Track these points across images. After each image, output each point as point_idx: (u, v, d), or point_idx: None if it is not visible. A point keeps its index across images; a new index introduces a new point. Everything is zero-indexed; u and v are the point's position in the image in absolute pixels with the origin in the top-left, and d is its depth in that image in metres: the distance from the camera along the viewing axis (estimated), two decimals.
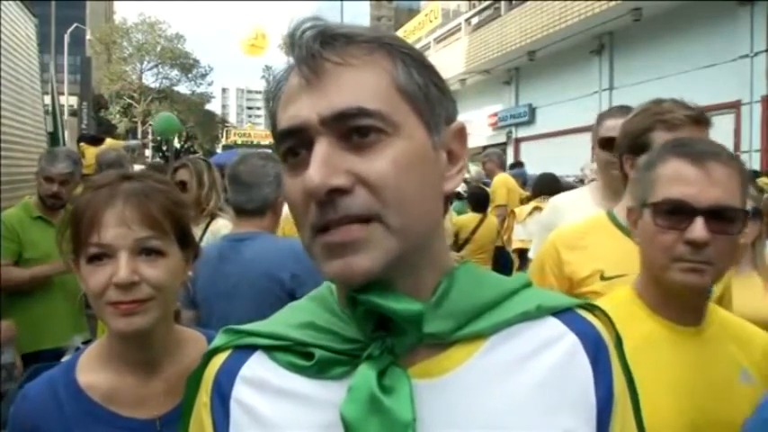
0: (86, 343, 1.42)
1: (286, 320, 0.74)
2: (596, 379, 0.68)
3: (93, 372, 1.14)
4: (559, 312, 0.71)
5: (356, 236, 0.61)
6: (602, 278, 1.58)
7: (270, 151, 2.59)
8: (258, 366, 0.72)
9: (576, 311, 0.72)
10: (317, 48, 0.63)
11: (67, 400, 1.10)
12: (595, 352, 0.69)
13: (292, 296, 1.96)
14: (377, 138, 0.62)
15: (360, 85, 0.63)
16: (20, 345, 3.03)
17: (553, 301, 0.72)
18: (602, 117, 2.32)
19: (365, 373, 0.63)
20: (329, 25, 0.65)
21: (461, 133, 0.71)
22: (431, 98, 0.67)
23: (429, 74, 0.68)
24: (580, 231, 1.72)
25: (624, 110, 2.26)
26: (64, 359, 1.27)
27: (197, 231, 2.72)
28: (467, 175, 7.43)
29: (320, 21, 0.65)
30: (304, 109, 0.63)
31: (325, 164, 0.61)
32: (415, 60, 0.67)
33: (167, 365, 1.14)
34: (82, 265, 1.08)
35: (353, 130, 0.62)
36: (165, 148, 36.49)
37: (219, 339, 0.75)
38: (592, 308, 0.74)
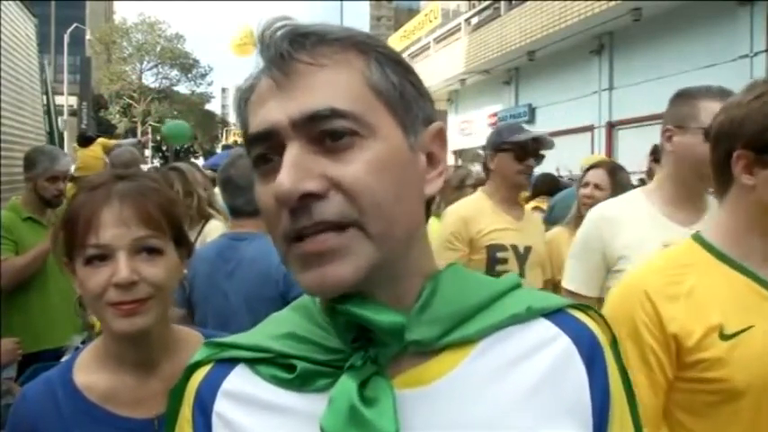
0: (84, 343, 1.42)
1: (268, 332, 0.71)
2: (591, 382, 0.65)
3: (90, 372, 1.14)
4: (551, 314, 0.68)
5: (332, 244, 0.58)
6: (722, 336, 1.18)
7: None
8: (240, 380, 0.70)
9: (568, 312, 0.69)
10: (287, 47, 0.60)
11: (65, 401, 1.10)
12: (590, 354, 0.66)
13: (284, 298, 1.97)
14: (350, 140, 0.59)
15: (331, 86, 0.60)
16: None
17: (544, 302, 0.69)
18: (695, 97, 1.71)
19: (346, 384, 0.61)
20: (299, 24, 0.62)
21: (440, 135, 0.68)
22: (406, 98, 0.64)
23: (405, 73, 0.65)
24: (675, 272, 1.26)
25: (721, 92, 1.67)
26: (63, 359, 1.27)
27: (192, 234, 2.73)
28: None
29: (290, 20, 0.63)
30: (273, 112, 0.60)
31: (296, 168, 0.58)
32: (389, 59, 0.64)
33: (165, 365, 1.14)
34: (78, 266, 1.08)
35: (326, 133, 0.59)
36: (164, 148, 36.47)
37: (201, 353, 0.74)
38: (585, 308, 0.71)
